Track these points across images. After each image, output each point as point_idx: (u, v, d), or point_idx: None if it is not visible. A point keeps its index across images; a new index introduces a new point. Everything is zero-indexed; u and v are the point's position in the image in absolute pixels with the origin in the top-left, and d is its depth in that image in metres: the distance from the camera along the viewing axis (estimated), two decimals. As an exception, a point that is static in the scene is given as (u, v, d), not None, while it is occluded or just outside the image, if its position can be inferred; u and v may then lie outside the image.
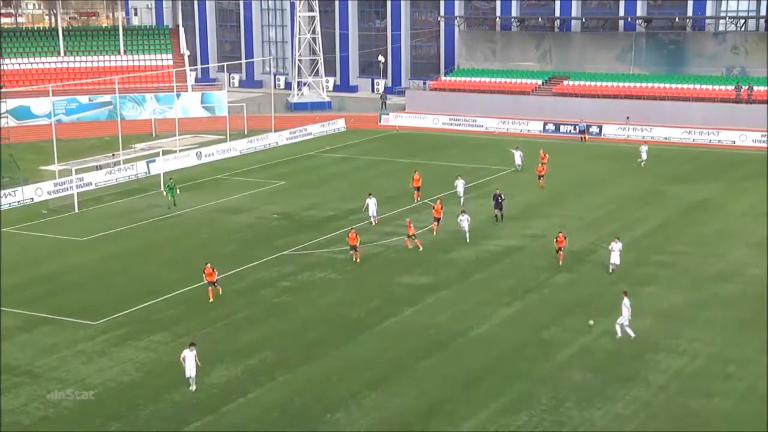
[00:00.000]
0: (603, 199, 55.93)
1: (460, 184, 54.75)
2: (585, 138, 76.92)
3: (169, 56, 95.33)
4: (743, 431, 27.32)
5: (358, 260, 43.38)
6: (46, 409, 29.14)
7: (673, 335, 34.29)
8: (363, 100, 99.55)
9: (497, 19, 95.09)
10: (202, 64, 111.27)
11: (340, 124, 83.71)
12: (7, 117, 79.84)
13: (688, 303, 37.77)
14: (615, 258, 40.81)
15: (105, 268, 43.87)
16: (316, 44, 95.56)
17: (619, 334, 33.53)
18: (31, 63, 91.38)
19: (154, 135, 77.22)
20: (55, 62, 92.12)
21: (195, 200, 56.53)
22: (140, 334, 34.92)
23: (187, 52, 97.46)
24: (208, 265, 38.83)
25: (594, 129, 78.44)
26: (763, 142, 73.24)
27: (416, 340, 34.19)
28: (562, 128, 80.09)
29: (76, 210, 54.94)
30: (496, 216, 50.18)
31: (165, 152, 65.11)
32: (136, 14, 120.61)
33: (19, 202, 56.63)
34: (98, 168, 61.72)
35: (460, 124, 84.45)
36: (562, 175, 62.24)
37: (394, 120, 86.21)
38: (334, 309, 37.72)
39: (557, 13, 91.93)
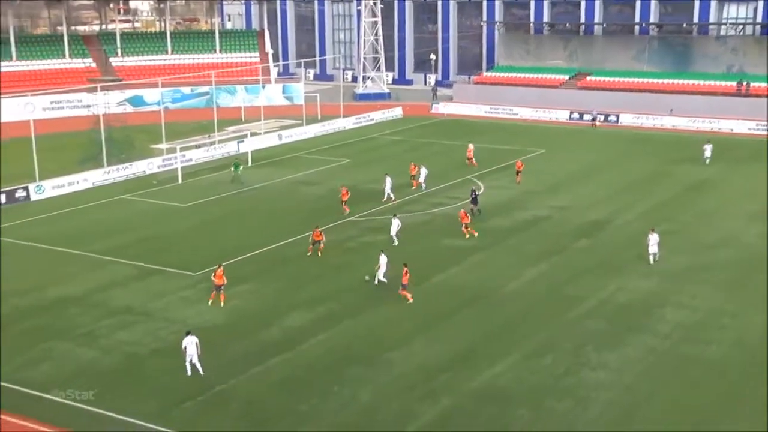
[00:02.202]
0: (619, 177, 54.95)
1: (387, 182, 48.42)
2: (596, 125, 76.05)
3: (256, 54, 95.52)
4: (733, 372, 26.92)
5: (319, 254, 38.31)
6: (157, 342, 29.67)
7: (677, 292, 33.76)
8: (417, 92, 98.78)
9: (531, 24, 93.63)
10: (283, 61, 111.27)
11: (397, 112, 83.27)
12: (125, 104, 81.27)
13: (691, 265, 37.07)
14: (653, 248, 36.82)
15: (202, 229, 44.31)
16: (378, 44, 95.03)
17: (377, 281, 34.02)
18: (145, 60, 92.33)
19: (243, 120, 77.41)
20: (164, 59, 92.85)
21: (276, 174, 56.75)
22: (230, 285, 35.02)
23: (271, 51, 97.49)
24: (221, 268, 33.15)
25: (612, 117, 77.20)
26: (758, 130, 71.66)
27: (458, 294, 34.06)
28: (585, 117, 78.96)
29: (180, 181, 55.53)
30: (472, 210, 44.21)
31: (252, 134, 65.40)
32: (229, 20, 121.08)
33: (134, 174, 57.43)
34: (198, 147, 62.28)
35: (498, 113, 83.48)
36: (584, 158, 61.43)
37: (443, 108, 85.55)
38: (390, 267, 37.56)
39: (582, 19, 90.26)
